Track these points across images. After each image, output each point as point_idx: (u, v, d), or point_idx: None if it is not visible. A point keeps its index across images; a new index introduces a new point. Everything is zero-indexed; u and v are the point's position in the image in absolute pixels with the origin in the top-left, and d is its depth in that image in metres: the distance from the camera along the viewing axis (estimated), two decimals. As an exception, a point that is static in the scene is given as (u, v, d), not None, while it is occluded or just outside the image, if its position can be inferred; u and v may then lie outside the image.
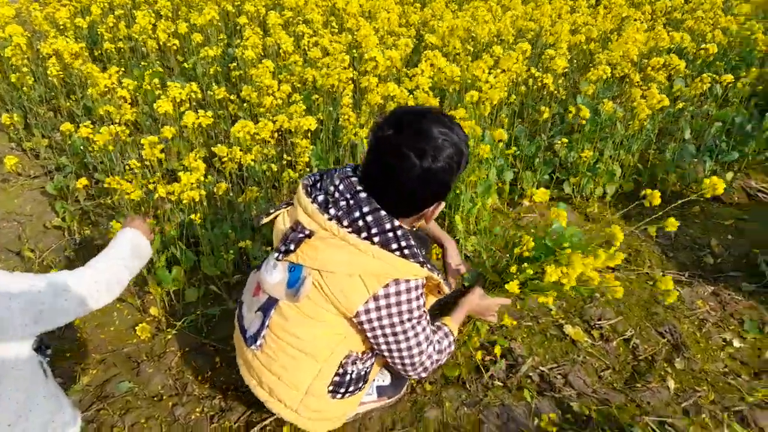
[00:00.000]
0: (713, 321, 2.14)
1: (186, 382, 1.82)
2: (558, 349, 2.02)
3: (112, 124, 2.35)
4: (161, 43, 3.53)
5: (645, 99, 2.62)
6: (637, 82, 2.83)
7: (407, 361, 1.38)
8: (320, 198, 1.25)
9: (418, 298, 1.29)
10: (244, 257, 2.24)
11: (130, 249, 1.42)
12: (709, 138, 3.08)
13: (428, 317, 1.40)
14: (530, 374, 1.90)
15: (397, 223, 1.22)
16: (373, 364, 1.53)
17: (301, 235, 1.23)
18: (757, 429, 1.68)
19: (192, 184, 1.89)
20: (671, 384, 1.87)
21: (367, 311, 1.26)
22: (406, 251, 1.22)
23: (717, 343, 2.04)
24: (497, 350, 1.96)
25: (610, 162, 2.89)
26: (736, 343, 2.04)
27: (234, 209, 2.30)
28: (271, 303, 1.37)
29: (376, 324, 1.28)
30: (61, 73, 2.87)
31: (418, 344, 1.35)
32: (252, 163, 2.11)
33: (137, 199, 1.97)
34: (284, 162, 2.48)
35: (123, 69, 3.13)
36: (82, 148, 2.98)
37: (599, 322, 2.13)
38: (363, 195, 1.22)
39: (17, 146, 3.34)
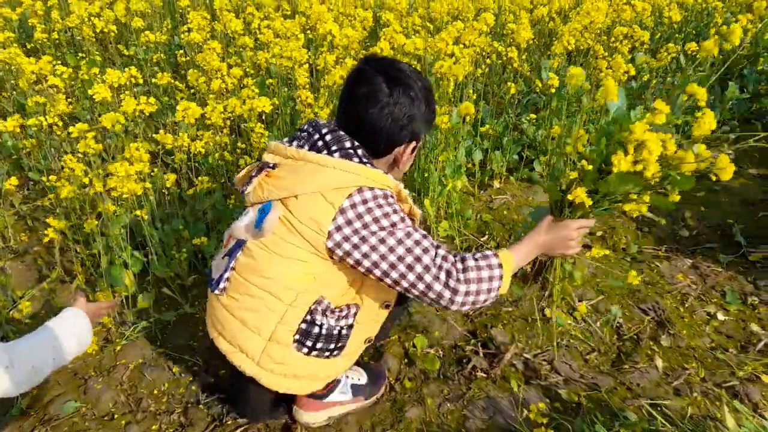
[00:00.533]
0: (695, 295, 2.08)
1: (140, 398, 1.63)
2: (540, 333, 1.92)
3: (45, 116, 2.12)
4: (98, 32, 3.26)
5: (611, 69, 2.54)
6: (602, 53, 2.76)
7: (420, 285, 1.19)
8: (285, 139, 1.34)
9: (390, 205, 1.23)
10: (200, 255, 2.06)
11: (63, 335, 1.21)
12: (677, 110, 3.04)
13: (419, 228, 1.26)
14: (514, 362, 1.79)
15: (357, 144, 1.26)
16: (350, 327, 1.35)
17: (262, 167, 1.28)
18: (751, 404, 1.62)
19: (132, 176, 1.69)
20: (659, 363, 1.79)
21: (339, 228, 1.19)
22: (367, 163, 1.24)
23: (701, 317, 1.98)
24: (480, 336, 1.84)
25: (578, 136, 2.80)
26: (721, 316, 1.98)
27: (186, 205, 2.10)
28: (237, 245, 1.32)
29: (354, 241, 1.19)
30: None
31: (417, 258, 1.19)
32: (202, 151, 1.92)
33: (71, 196, 1.77)
34: (238, 151, 2.29)
35: (58, 60, 2.87)
36: (12, 148, 2.72)
37: (583, 301, 2.04)
38: (325, 129, 1.28)
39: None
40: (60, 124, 2.06)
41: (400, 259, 1.19)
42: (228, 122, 2.35)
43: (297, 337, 1.29)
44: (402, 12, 3.26)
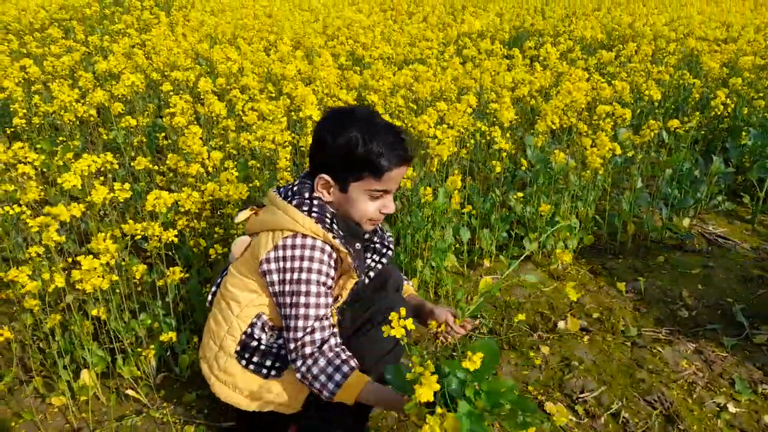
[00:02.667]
0: (702, 384, 1.95)
1: None
2: (540, 430, 1.75)
3: (16, 204, 2.03)
4: (80, 116, 3.24)
5: (595, 147, 2.52)
6: (585, 131, 2.76)
7: (290, 323, 1.34)
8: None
9: (315, 259, 1.34)
10: (168, 352, 1.90)
11: None
12: (663, 185, 3.02)
13: (330, 302, 1.38)
14: (513, 468, 1.62)
15: (316, 194, 1.43)
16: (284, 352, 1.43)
17: (256, 207, 1.52)
18: None
19: (97, 270, 1.58)
20: (672, 464, 1.63)
21: (268, 260, 1.37)
22: (314, 214, 1.38)
23: (711, 409, 1.84)
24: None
25: (568, 215, 2.75)
26: (732, 408, 1.83)
27: (158, 295, 1.97)
28: (226, 268, 1.57)
29: (274, 275, 1.36)
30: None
31: (306, 316, 1.33)
32: (175, 240, 1.82)
33: (34, 291, 1.64)
34: (215, 236, 2.20)
35: (31, 144, 2.82)
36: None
37: (582, 395, 1.90)
38: (300, 177, 1.50)
39: None
40: (29, 212, 1.96)
41: (287, 304, 1.35)
42: (207, 206, 2.27)
43: (238, 348, 1.44)
44: (386, 93, 3.29)
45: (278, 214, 1.39)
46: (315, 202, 1.42)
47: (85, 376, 1.77)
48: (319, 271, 1.35)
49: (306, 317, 1.33)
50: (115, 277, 1.69)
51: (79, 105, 3.12)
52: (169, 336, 1.76)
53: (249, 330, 1.44)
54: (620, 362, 2.06)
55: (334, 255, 1.40)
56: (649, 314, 2.37)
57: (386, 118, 2.39)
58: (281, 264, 1.35)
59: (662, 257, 2.81)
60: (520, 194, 2.56)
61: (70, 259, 2.24)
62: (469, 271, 2.66)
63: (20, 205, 1.92)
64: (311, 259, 1.34)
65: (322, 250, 1.36)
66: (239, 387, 1.45)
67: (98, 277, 1.57)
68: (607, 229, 2.96)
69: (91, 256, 1.57)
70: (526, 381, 1.97)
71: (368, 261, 1.66)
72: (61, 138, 3.25)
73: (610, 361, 2.07)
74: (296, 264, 1.34)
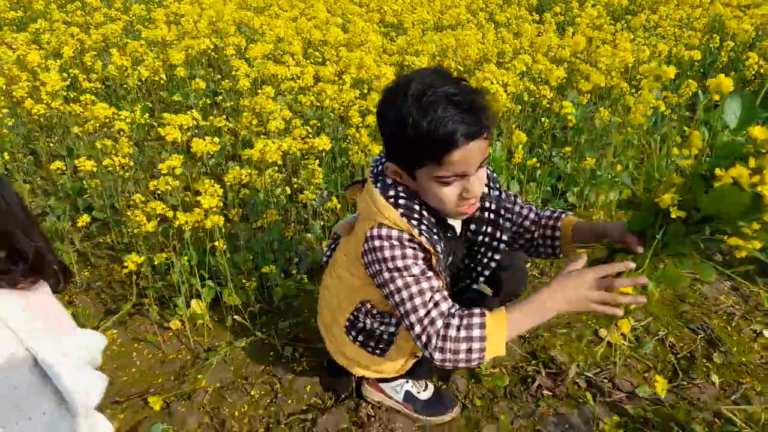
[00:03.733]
0: (740, 314, 2.17)
1: (223, 419, 1.69)
2: (597, 353, 1.99)
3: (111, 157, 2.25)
4: (143, 80, 3.44)
5: (640, 104, 2.69)
6: (628, 90, 2.93)
7: (405, 321, 1.21)
8: None
9: (397, 248, 1.20)
10: (265, 285, 2.15)
11: None
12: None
13: (431, 277, 1.22)
14: (577, 381, 1.86)
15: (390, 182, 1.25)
16: (391, 334, 1.43)
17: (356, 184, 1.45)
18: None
19: (212, 208, 1.81)
20: (715, 378, 1.86)
21: (364, 253, 1.27)
22: (400, 208, 1.21)
23: (749, 335, 2.06)
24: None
25: (611, 169, 2.94)
26: (767, 333, 2.06)
27: (250, 236, 2.21)
28: (335, 239, 1.60)
29: (371, 269, 1.27)
30: (44, 112, 2.73)
31: (414, 309, 1.18)
32: (268, 186, 2.04)
33: (152, 230, 1.87)
34: (295, 187, 2.42)
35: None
36: (70, 189, 2.84)
37: (633, 326, 2.12)
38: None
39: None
40: (130, 164, 2.18)
41: (394, 296, 1.22)
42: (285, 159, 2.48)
43: (347, 324, 1.48)
44: (430, 56, 3.46)
45: (369, 202, 1.26)
46: (400, 189, 1.24)
47: (195, 304, 2.02)
48: (415, 257, 1.22)
49: (415, 309, 1.19)
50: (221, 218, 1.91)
51: (143, 69, 3.32)
52: (269, 268, 2.00)
53: (354, 314, 1.45)
54: (663, 298, 2.28)
55: (418, 245, 1.24)
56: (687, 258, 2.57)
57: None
58: (376, 256, 1.23)
59: (696, 209, 3.00)
60: (568, 149, 2.74)
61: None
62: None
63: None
64: (398, 248, 1.21)
65: (409, 240, 1.22)
66: (347, 356, 1.53)
67: (213, 215, 1.80)
68: (644, 185, 3.14)
69: (208, 196, 1.79)
70: (579, 312, 2.19)
71: (480, 257, 1.46)
72: (121, 102, 3.46)
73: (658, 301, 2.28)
74: (387, 254, 1.21)
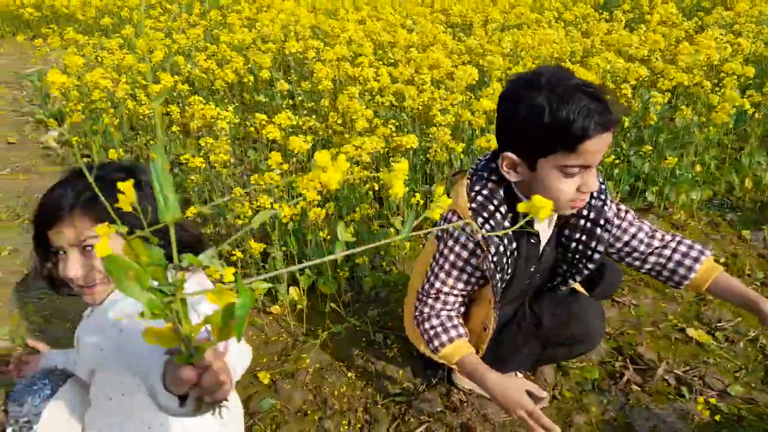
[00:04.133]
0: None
1: (325, 397, 1.81)
2: (686, 352, 2.00)
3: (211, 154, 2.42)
4: (229, 82, 3.65)
5: (725, 102, 2.65)
6: (709, 88, 2.88)
7: (425, 280, 1.50)
8: None
9: (458, 239, 1.40)
10: (357, 274, 2.26)
11: None
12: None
13: (463, 285, 1.46)
14: (666, 377, 1.88)
15: (496, 175, 1.35)
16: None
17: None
18: None
19: (313, 202, 1.93)
20: (811, 380, 1.84)
21: (436, 227, 1.49)
22: (476, 195, 1.35)
23: None
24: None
25: (690, 168, 2.91)
26: None
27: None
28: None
29: (437, 241, 1.49)
30: (148, 112, 2.96)
31: (432, 283, 1.47)
32: (358, 181, 2.16)
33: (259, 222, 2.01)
34: (376, 186, 2.53)
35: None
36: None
37: (720, 324, 2.11)
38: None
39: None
40: (232, 161, 2.35)
41: (430, 274, 1.49)
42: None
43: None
44: (504, 53, 3.50)
45: (454, 190, 1.41)
46: (490, 184, 1.35)
47: (293, 291, 2.15)
48: (462, 248, 1.40)
49: (432, 284, 1.46)
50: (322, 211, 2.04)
51: (229, 71, 3.52)
52: (362, 259, 2.11)
53: None
54: (752, 299, 2.25)
55: (475, 244, 1.38)
56: (775, 260, 2.53)
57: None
58: (440, 233, 1.45)
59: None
60: (648, 147, 2.73)
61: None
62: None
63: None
64: (455, 238, 1.40)
65: (461, 230, 1.38)
66: (417, 336, 1.61)
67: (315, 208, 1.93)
68: (725, 185, 3.08)
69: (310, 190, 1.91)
70: (665, 312, 2.20)
71: (575, 263, 1.50)
72: (209, 104, 3.66)
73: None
74: (444, 236, 1.43)
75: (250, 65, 3.94)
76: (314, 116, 2.94)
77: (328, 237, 2.03)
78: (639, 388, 1.83)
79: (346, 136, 2.74)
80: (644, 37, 3.83)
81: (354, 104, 2.66)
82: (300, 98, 3.63)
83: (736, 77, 2.96)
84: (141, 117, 3.13)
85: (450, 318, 1.50)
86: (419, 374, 1.90)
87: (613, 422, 1.71)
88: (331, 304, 2.12)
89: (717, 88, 2.92)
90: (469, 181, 1.38)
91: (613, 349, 2.02)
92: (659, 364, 1.92)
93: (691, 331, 2.08)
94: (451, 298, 1.49)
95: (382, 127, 2.55)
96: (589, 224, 1.42)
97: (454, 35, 4.95)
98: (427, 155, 2.55)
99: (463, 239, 1.39)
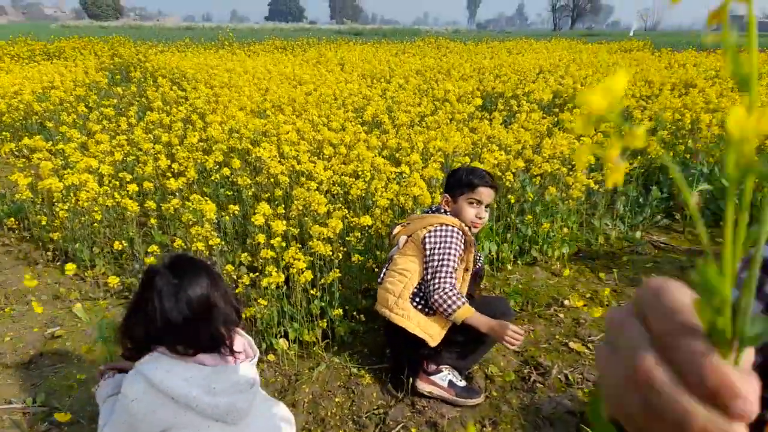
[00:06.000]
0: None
1: (322, 417, 2.40)
2: (570, 359, 2.84)
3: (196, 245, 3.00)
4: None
5: (578, 183, 3.73)
6: (566, 172, 3.98)
7: (432, 272, 2.32)
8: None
9: (453, 237, 2.37)
10: (334, 324, 2.90)
11: None
12: (620, 208, 4.27)
13: (458, 265, 2.37)
14: (558, 376, 2.69)
15: (443, 210, 2.54)
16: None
17: (404, 222, 2.65)
18: None
19: (302, 270, 2.60)
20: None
21: (428, 235, 2.40)
22: (449, 214, 2.50)
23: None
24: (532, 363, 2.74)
25: (559, 231, 3.93)
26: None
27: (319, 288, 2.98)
28: (390, 258, 2.60)
29: (428, 242, 2.38)
30: (135, 208, 3.47)
31: (445, 272, 2.30)
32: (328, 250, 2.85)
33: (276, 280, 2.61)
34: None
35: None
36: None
37: (590, 338, 3.00)
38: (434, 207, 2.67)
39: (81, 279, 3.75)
40: (207, 253, 2.95)
41: (434, 260, 2.35)
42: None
43: (411, 295, 2.39)
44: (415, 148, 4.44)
45: (428, 217, 2.48)
46: (448, 209, 2.54)
47: (281, 342, 2.74)
48: (456, 244, 2.36)
49: (446, 270, 2.31)
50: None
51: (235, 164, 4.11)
52: (336, 312, 2.77)
53: (418, 286, 2.39)
54: (609, 320, 3.19)
55: (463, 236, 2.40)
56: (623, 293, 3.53)
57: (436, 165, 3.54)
58: (435, 237, 2.36)
59: (625, 258, 4.01)
60: (530, 217, 3.71)
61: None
62: (497, 272, 3.77)
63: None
64: (451, 236, 2.36)
65: (457, 232, 2.39)
66: (410, 317, 2.33)
67: (305, 270, 2.58)
68: (585, 242, 4.15)
69: (298, 260, 2.58)
70: (553, 333, 3.06)
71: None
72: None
73: (602, 324, 3.19)
74: (443, 237, 2.36)
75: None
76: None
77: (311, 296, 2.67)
78: (542, 385, 2.62)
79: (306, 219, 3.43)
80: (517, 133, 5.00)
81: (315, 195, 3.39)
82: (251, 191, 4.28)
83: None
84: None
85: (459, 292, 2.31)
86: (388, 393, 2.56)
87: (527, 408, 2.46)
88: (315, 348, 2.74)
89: (571, 172, 4.03)
90: (437, 211, 2.52)
91: (521, 361, 2.81)
92: (553, 367, 2.73)
93: (572, 344, 2.94)
94: (454, 279, 2.32)
95: (338, 211, 3.29)
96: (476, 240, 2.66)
97: (370, 131, 5.89)
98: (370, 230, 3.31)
99: (457, 235, 2.39)
